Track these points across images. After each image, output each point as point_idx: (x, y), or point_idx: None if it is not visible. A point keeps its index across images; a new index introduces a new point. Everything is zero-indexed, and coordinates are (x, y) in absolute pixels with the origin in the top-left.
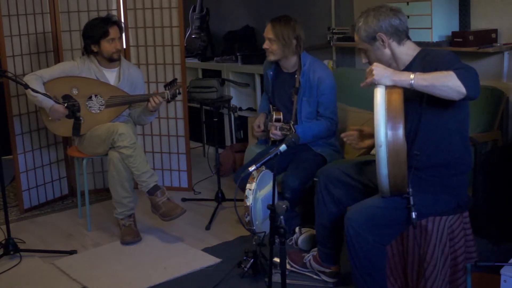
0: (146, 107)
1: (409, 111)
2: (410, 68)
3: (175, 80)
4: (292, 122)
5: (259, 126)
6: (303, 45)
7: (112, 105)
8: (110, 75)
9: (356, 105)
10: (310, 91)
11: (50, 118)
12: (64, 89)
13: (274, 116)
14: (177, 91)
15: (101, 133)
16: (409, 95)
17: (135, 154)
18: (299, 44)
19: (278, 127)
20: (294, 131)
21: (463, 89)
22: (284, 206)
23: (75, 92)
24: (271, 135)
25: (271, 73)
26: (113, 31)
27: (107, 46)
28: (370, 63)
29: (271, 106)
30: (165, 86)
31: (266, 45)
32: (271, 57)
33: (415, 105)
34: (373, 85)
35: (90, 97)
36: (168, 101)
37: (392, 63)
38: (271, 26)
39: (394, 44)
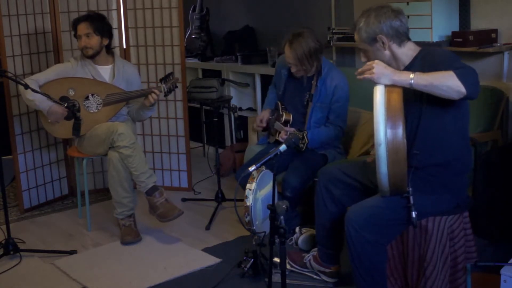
0: (143, 103)
1: (409, 111)
2: (410, 68)
3: (170, 74)
4: (305, 132)
5: (261, 121)
6: (323, 50)
7: (110, 103)
8: (105, 72)
9: (357, 105)
10: (325, 97)
11: (49, 121)
12: (61, 90)
13: (283, 118)
14: (173, 85)
15: (101, 133)
16: (409, 95)
17: (134, 154)
18: (322, 51)
19: (289, 133)
20: (307, 141)
21: (462, 89)
22: (284, 206)
23: (71, 93)
24: (279, 139)
25: (286, 72)
26: (80, 28)
27: (78, 42)
28: None
29: (279, 105)
30: (160, 80)
31: (293, 69)
32: (301, 74)
33: (415, 105)
34: (371, 82)
35: (87, 97)
36: (165, 95)
37: (392, 63)
38: (291, 51)
39: (394, 46)
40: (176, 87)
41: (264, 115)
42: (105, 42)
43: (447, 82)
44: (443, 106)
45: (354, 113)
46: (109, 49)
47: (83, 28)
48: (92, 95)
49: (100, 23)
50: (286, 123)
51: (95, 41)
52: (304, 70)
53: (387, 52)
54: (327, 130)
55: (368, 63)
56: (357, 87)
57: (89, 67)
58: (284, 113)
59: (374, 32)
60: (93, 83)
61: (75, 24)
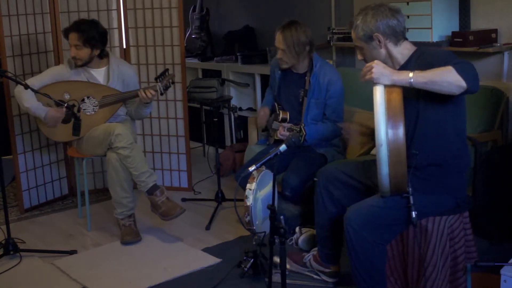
0: (140, 101)
1: (406, 110)
2: (406, 67)
3: (166, 70)
4: (302, 124)
5: (264, 113)
6: (314, 47)
7: (106, 104)
8: (99, 75)
9: (357, 105)
10: (319, 93)
11: (47, 126)
12: (56, 95)
13: (280, 116)
14: (169, 82)
15: (98, 134)
16: (406, 94)
17: (133, 155)
18: (312, 48)
19: (287, 128)
20: (304, 133)
21: (463, 83)
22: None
23: (67, 96)
24: (279, 136)
25: (280, 72)
26: (70, 38)
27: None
28: (365, 60)
29: (276, 105)
30: (156, 79)
31: (279, 55)
32: (284, 66)
33: (412, 104)
34: (372, 82)
35: (83, 100)
36: (161, 94)
37: (387, 62)
38: (282, 36)
39: (390, 45)
40: (173, 83)
41: (265, 111)
42: (96, 52)
43: (447, 78)
44: (439, 105)
45: (353, 113)
46: (101, 55)
47: (72, 38)
48: (88, 97)
49: (90, 34)
50: (283, 121)
51: (84, 52)
52: (288, 59)
53: (383, 51)
54: (324, 126)
55: (367, 64)
56: (358, 87)
57: (84, 72)
58: (280, 112)
59: (371, 30)
60: (88, 85)
61: (65, 33)
